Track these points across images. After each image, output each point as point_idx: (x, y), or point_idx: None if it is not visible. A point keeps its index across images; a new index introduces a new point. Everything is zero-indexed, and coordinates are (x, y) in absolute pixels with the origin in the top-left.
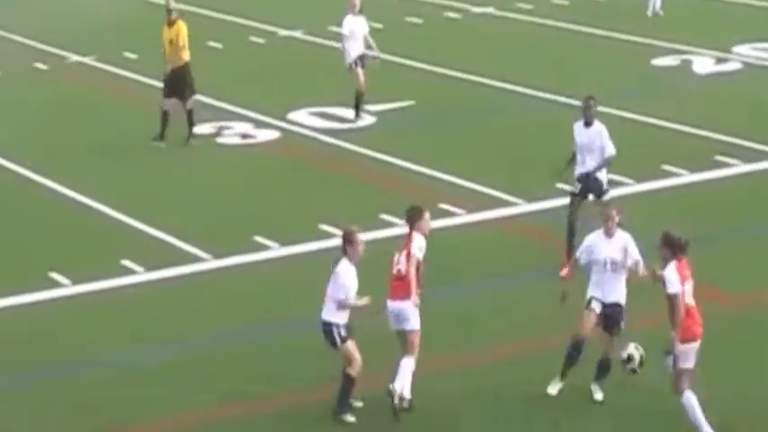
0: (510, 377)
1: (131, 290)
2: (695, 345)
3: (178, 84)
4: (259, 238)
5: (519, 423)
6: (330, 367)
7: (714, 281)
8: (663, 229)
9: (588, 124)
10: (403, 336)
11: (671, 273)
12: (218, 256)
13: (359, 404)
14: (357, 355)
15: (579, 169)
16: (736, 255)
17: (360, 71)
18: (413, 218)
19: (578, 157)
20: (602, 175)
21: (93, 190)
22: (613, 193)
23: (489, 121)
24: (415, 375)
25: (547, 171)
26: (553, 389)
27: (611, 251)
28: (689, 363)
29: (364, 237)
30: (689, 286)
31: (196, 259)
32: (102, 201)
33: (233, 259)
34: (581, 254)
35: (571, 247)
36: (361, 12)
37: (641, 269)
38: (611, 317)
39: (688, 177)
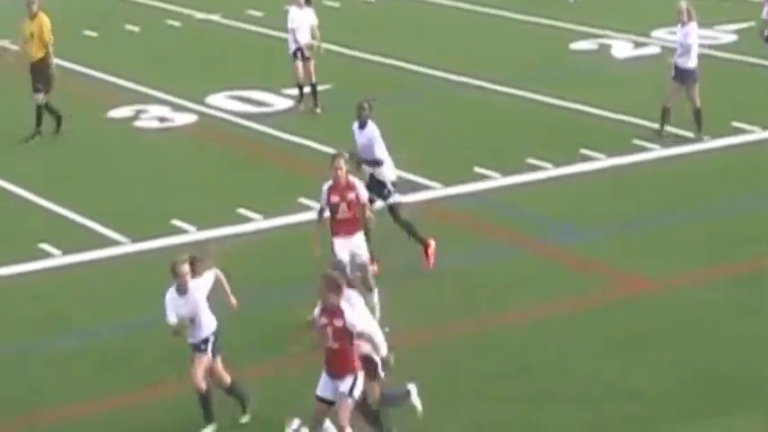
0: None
1: (49, 273)
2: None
3: (36, 78)
4: (177, 222)
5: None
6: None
7: (631, 266)
8: (594, 215)
9: (362, 126)
10: None
11: (351, 313)
12: (135, 239)
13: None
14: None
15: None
16: (653, 240)
17: (298, 63)
18: None
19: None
20: (386, 175)
21: (12, 173)
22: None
23: (406, 105)
24: None
25: (463, 155)
26: None
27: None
28: None
29: (186, 267)
30: None
31: (114, 243)
32: (20, 184)
33: (150, 243)
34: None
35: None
36: (308, 3)
37: None
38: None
39: (606, 162)
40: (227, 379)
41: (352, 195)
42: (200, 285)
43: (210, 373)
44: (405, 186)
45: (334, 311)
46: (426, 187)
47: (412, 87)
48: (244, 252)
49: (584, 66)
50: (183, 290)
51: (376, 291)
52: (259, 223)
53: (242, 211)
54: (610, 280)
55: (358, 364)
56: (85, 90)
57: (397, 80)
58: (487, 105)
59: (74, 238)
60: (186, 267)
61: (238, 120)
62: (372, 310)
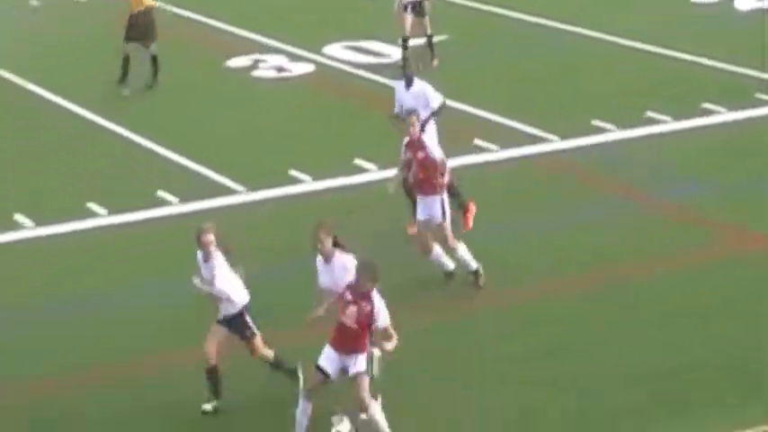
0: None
1: (166, 221)
2: None
3: (140, 28)
4: (293, 172)
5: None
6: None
7: (749, 222)
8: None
9: (409, 85)
10: None
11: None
12: (252, 188)
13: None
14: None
15: None
16: None
17: (408, 16)
18: None
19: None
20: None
21: (131, 122)
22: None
23: (524, 57)
24: None
25: (581, 108)
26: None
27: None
28: None
29: (210, 236)
30: None
31: (231, 192)
32: (139, 133)
33: (267, 192)
34: None
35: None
36: None
37: None
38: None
39: (727, 116)
40: (270, 354)
41: (421, 154)
42: (224, 271)
43: (252, 350)
44: (522, 139)
45: (364, 295)
46: (542, 139)
47: (529, 39)
48: (362, 202)
49: (706, 18)
50: (206, 257)
51: (460, 245)
52: (373, 174)
53: (358, 161)
54: (723, 236)
55: (368, 345)
56: (204, 39)
57: (514, 32)
58: (606, 58)
59: (191, 187)
60: (211, 236)
61: (355, 70)
62: (462, 262)
